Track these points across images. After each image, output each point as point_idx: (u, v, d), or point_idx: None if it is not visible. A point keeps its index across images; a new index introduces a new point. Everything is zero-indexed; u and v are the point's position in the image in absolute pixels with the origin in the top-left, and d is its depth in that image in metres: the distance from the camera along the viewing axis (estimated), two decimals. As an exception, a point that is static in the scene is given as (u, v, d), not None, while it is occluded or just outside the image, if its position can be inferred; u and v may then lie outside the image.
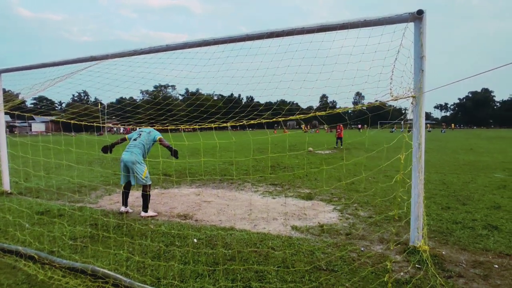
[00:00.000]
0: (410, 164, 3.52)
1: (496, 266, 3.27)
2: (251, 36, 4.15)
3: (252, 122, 3.96)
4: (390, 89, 3.46)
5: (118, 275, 2.91)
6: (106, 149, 5.24)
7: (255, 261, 3.33)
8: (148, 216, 4.95)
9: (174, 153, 4.92)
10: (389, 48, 3.53)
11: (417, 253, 3.43)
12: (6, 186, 6.73)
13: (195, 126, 4.76)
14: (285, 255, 3.45)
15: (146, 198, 5.00)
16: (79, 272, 3.06)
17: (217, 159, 11.04)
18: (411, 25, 3.53)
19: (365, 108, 5.04)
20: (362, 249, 3.70)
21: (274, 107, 4.95)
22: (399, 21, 3.53)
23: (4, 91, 7.26)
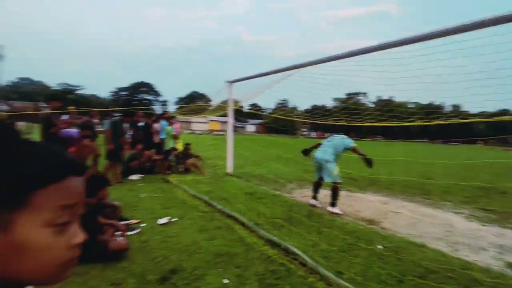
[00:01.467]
0: None
1: None
2: (467, 26, 3.52)
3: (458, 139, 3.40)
4: None
5: (305, 257, 3.24)
6: (306, 152, 6.05)
7: (453, 288, 2.85)
8: (334, 213, 5.18)
9: (369, 162, 5.12)
10: None
11: None
12: (230, 170, 8.79)
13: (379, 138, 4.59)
14: (497, 294, 2.77)
15: (335, 193, 5.27)
16: (275, 245, 3.63)
17: (411, 173, 10.03)
18: None
19: None
20: None
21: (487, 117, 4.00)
22: None
23: (234, 100, 9.46)
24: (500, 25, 3.27)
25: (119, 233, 3.57)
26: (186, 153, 9.17)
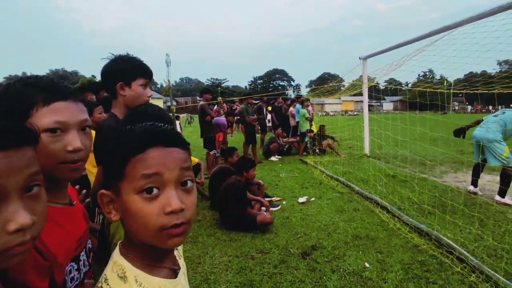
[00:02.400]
0: None
1: None
2: None
3: None
4: None
5: (464, 251, 2.79)
6: (459, 132, 4.86)
7: None
8: (504, 203, 4.21)
9: None
10: None
11: None
12: (367, 151, 8.34)
13: None
14: None
15: (505, 179, 4.25)
16: (423, 234, 3.26)
17: None
18: None
19: None
20: None
21: None
22: None
23: (369, 78, 8.77)
24: None
25: (264, 208, 3.99)
26: (321, 135, 9.22)
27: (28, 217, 0.52)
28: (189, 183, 0.64)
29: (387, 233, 3.42)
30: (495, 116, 4.53)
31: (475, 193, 4.70)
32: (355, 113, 48.40)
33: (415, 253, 2.96)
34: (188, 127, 21.22)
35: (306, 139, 9.01)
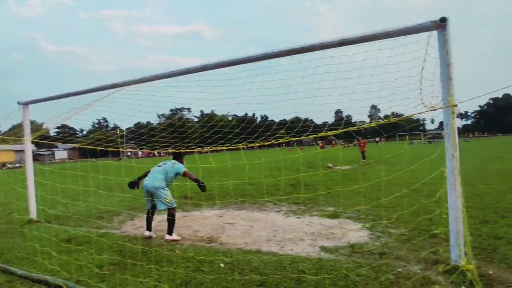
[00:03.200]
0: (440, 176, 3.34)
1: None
2: (270, 54, 4.13)
3: (266, 143, 3.93)
4: (421, 99, 3.33)
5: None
6: (134, 184, 5.34)
7: (287, 286, 3.16)
8: (172, 240, 4.87)
9: (202, 187, 4.91)
10: (414, 57, 3.44)
11: (460, 273, 3.17)
12: (33, 214, 6.85)
13: (208, 149, 4.77)
14: (318, 279, 3.27)
15: (171, 221, 4.94)
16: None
17: (238, 180, 10.96)
18: (434, 33, 3.43)
19: (389, 122, 4.91)
20: (400, 270, 3.47)
21: (288, 125, 4.89)
22: (422, 30, 3.44)
23: (30, 122, 7.49)
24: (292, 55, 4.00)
25: None
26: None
27: None
28: None
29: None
30: (159, 166, 5.26)
31: (150, 237, 5.11)
32: (18, 165, 40.13)
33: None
34: None
35: None
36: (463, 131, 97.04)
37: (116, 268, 3.76)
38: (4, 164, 41.32)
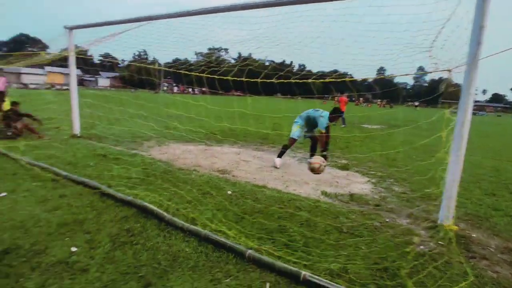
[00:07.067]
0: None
1: (528, 254, 3.18)
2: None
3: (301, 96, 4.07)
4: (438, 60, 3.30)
5: (160, 210, 3.39)
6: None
7: (281, 216, 3.61)
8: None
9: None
10: (441, 17, 3.32)
11: (443, 231, 3.43)
12: (76, 131, 7.76)
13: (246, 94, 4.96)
14: (310, 215, 3.68)
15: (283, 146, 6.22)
16: (130, 205, 3.61)
17: (261, 124, 11.31)
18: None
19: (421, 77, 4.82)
20: (388, 220, 3.78)
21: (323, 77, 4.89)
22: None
23: (76, 46, 8.05)
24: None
25: None
26: (15, 114, 7.50)
27: None
28: None
29: (97, 212, 3.47)
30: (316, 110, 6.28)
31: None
32: (65, 87, 43.01)
33: (123, 223, 3.23)
34: None
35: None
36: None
37: (140, 181, 4.40)
38: (53, 85, 44.42)
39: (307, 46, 4.78)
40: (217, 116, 11.93)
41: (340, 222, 3.57)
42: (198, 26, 5.74)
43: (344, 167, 6.29)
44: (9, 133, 7.14)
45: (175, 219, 3.24)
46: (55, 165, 4.96)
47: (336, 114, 6.37)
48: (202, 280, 2.41)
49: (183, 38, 6.14)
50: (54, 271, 2.44)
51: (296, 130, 6.31)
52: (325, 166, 4.98)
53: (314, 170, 4.91)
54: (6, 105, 7.81)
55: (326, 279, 2.43)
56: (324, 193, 4.63)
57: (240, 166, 5.91)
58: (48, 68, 52.00)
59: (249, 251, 2.72)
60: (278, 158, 6.11)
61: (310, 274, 2.44)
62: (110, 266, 2.52)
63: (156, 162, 5.65)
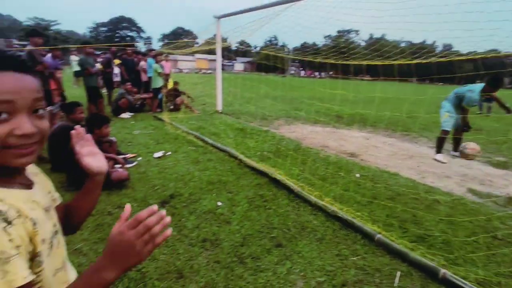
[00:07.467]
0: None
1: None
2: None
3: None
4: None
5: (290, 183, 3.61)
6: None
7: (415, 207, 3.31)
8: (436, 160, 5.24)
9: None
10: None
11: None
12: (219, 107, 8.93)
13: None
14: (452, 211, 3.24)
15: (438, 140, 5.34)
16: (263, 174, 3.98)
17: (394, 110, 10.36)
18: None
19: None
20: None
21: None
22: None
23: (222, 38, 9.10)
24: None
25: (118, 165, 3.84)
26: (175, 91, 9.17)
27: (32, 128, 0.65)
28: (41, 111, 0.68)
29: (236, 176, 3.97)
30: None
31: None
32: (209, 71, 49.39)
33: (257, 189, 3.60)
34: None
35: (160, 95, 8.78)
36: None
37: (272, 154, 4.75)
38: (200, 70, 51.72)
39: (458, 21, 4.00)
40: (344, 99, 11.61)
41: (493, 226, 3.02)
42: (329, 7, 5.57)
43: (501, 165, 5.18)
44: (172, 107, 8.80)
45: (305, 192, 3.40)
46: (204, 135, 5.87)
47: (489, 93, 4.92)
48: (328, 253, 2.48)
49: (314, 22, 6.09)
50: (205, 217, 2.96)
51: (446, 119, 5.29)
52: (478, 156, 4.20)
53: (467, 156, 4.18)
54: (170, 84, 9.60)
55: (472, 284, 2.13)
56: (472, 191, 3.96)
57: (369, 151, 5.63)
58: (196, 56, 60.67)
59: (378, 235, 2.63)
60: (439, 154, 5.29)
61: (452, 274, 2.19)
62: (248, 223, 2.88)
63: (286, 139, 5.97)
